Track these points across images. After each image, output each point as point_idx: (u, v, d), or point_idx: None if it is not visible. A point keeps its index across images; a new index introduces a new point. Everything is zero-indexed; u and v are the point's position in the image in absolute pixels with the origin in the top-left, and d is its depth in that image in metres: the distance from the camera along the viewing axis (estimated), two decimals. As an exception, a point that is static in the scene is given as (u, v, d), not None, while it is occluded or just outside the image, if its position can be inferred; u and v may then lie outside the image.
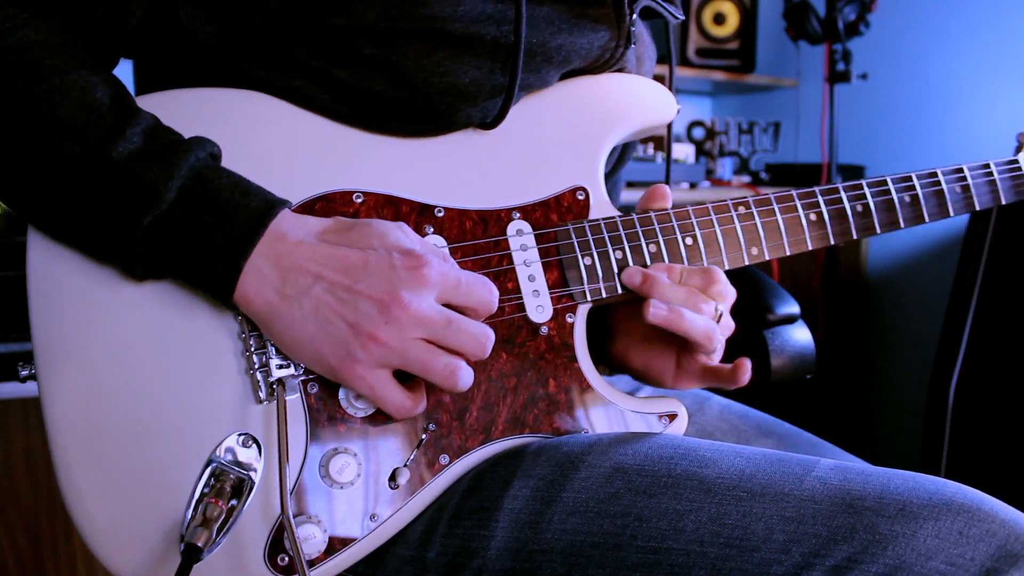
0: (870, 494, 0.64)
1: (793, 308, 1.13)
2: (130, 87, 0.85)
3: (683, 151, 2.50)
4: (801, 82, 2.81)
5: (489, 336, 0.68)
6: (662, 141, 2.54)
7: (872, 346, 2.65)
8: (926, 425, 2.02)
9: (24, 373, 0.68)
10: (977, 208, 0.92)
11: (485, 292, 0.68)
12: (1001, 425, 1.91)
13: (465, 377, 0.67)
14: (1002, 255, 1.93)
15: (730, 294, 0.81)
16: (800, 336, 1.13)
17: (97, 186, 0.63)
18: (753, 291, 1.13)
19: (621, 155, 1.00)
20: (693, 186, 2.43)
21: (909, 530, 0.62)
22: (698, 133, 2.71)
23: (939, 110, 2.50)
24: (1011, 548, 0.61)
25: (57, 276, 0.68)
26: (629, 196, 2.15)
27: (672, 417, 0.80)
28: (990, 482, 1.02)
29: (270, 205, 0.65)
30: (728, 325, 0.81)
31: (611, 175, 1.00)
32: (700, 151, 2.69)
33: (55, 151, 0.63)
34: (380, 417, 0.72)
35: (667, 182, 1.00)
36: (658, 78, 0.89)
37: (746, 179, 2.66)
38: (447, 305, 0.67)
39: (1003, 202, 0.94)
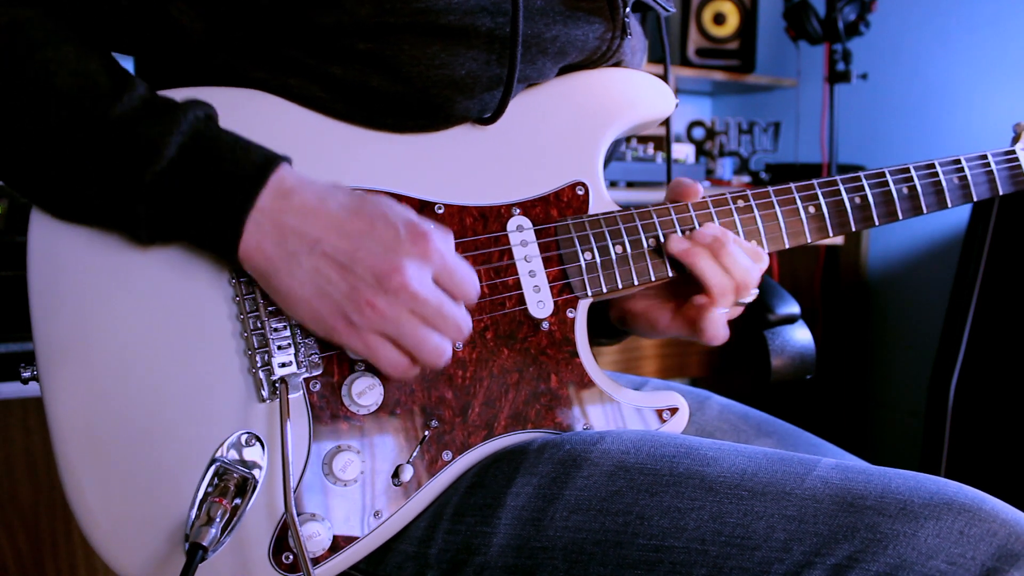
0: (871, 493, 0.64)
1: (793, 308, 1.13)
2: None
3: (683, 151, 2.50)
4: (801, 82, 2.80)
5: (468, 326, 0.69)
6: (662, 141, 2.54)
7: (872, 346, 2.65)
8: (926, 425, 2.02)
9: (26, 375, 0.68)
10: (975, 199, 0.92)
11: (471, 285, 0.69)
12: (1001, 425, 1.91)
13: (448, 358, 0.69)
14: (1002, 255, 1.93)
15: (756, 288, 0.82)
16: (800, 336, 1.13)
17: (97, 147, 0.63)
18: (753, 291, 1.13)
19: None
20: (693, 186, 2.43)
21: (910, 529, 0.62)
22: (698, 133, 2.71)
23: (939, 110, 2.50)
24: (1012, 547, 0.61)
25: (58, 276, 0.68)
26: (630, 196, 2.16)
27: (673, 411, 0.80)
28: (990, 482, 1.02)
29: (270, 159, 0.66)
30: (737, 312, 0.83)
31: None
32: (700, 151, 2.69)
33: (52, 118, 0.63)
34: (383, 414, 0.72)
35: (667, 180, 1.00)
36: (656, 76, 0.89)
37: (746, 179, 2.66)
38: (435, 281, 0.67)
39: (1000, 192, 0.94)
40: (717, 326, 0.81)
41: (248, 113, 0.73)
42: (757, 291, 0.82)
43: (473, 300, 0.70)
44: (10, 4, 0.66)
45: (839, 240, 2.52)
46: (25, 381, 0.68)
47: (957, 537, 0.61)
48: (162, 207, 0.64)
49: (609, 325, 0.93)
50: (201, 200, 0.64)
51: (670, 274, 0.81)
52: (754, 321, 1.11)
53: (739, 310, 0.83)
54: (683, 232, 0.82)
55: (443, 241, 0.67)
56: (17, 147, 0.65)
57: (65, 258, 0.68)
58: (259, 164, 0.65)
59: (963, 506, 0.63)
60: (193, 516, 0.67)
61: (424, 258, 0.65)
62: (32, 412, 1.58)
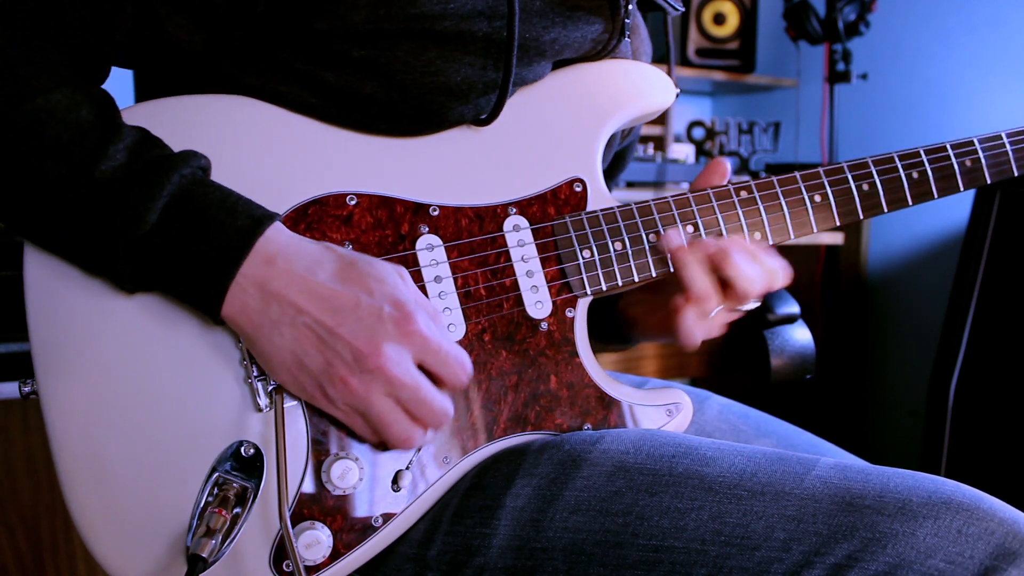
0: (870, 493, 0.64)
1: (793, 308, 1.13)
2: (130, 93, 0.85)
3: (683, 151, 2.50)
4: (801, 82, 2.80)
5: (448, 413, 0.68)
6: (662, 141, 2.54)
7: (872, 346, 2.65)
8: (926, 425, 2.02)
9: (27, 390, 0.68)
10: (988, 181, 0.87)
11: (459, 370, 0.68)
12: (1001, 425, 1.90)
13: (418, 443, 0.68)
14: (1002, 255, 1.93)
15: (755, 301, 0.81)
16: (800, 336, 1.13)
17: (82, 206, 0.63)
18: (753, 291, 1.13)
19: (622, 157, 1.00)
20: (693, 186, 2.43)
21: (909, 528, 0.62)
22: (698, 133, 2.71)
23: (939, 110, 2.49)
24: (1009, 546, 0.61)
25: (55, 287, 0.67)
26: (629, 197, 2.15)
27: (677, 408, 0.80)
28: (990, 482, 1.02)
29: (257, 222, 0.65)
30: (735, 316, 0.83)
31: (613, 173, 1.00)
32: (700, 151, 2.68)
33: (40, 171, 0.63)
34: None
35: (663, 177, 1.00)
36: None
37: (746, 179, 2.66)
38: (420, 365, 0.67)
39: (1015, 174, 0.89)
40: (689, 328, 0.80)
41: (240, 121, 0.72)
42: (758, 302, 0.80)
43: (461, 386, 0.69)
44: (1, 45, 0.65)
45: (839, 239, 2.52)
46: (25, 396, 0.68)
47: (955, 536, 0.61)
48: (145, 267, 0.64)
49: (619, 330, 0.93)
50: (183, 265, 0.64)
51: (672, 269, 0.80)
52: (754, 321, 1.11)
53: (737, 314, 0.83)
54: (684, 228, 0.81)
55: (429, 323, 0.66)
56: (5, 193, 0.65)
57: (62, 269, 0.68)
58: (244, 230, 0.64)
59: (961, 505, 0.63)
60: (193, 527, 0.67)
61: (406, 341, 0.65)
62: (32, 412, 1.58)
